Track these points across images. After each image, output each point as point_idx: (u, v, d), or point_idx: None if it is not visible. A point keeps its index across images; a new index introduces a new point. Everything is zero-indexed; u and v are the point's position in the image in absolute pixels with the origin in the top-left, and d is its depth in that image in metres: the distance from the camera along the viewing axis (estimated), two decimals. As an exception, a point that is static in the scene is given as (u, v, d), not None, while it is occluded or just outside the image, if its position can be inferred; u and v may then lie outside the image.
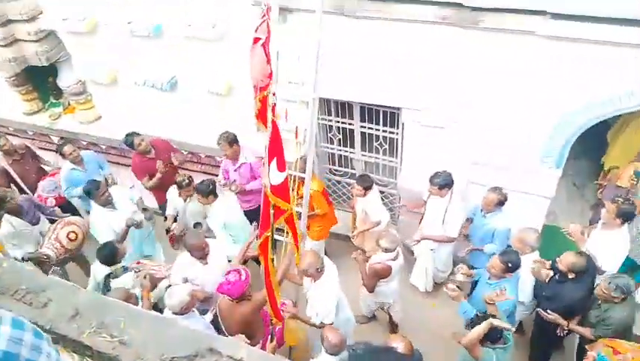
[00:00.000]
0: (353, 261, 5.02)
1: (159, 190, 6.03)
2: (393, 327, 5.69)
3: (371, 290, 4.97)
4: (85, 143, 6.91)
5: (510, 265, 4.21)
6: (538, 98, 4.51)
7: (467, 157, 5.21)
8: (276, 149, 3.95)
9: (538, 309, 4.62)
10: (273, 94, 3.80)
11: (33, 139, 7.35)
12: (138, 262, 4.78)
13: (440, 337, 5.30)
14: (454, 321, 5.29)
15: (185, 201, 5.60)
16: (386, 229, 5.24)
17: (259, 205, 5.13)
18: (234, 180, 5.67)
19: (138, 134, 5.86)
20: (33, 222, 5.65)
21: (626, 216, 4.41)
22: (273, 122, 3.85)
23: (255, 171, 5.70)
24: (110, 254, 4.67)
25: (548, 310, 4.41)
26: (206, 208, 5.43)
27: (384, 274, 4.79)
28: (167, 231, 5.85)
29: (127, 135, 5.85)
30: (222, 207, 5.39)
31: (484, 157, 5.15)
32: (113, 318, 1.76)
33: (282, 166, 4.05)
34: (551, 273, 4.43)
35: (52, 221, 5.74)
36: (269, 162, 3.97)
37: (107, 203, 5.30)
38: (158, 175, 5.84)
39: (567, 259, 4.22)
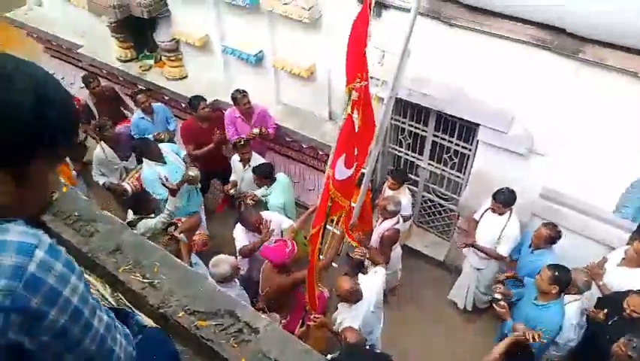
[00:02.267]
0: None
1: (201, 161, 6.23)
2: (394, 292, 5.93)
3: (388, 260, 5.16)
4: (167, 98, 7.19)
5: (558, 274, 4.03)
6: (630, 145, 4.24)
7: (537, 189, 5.00)
8: (347, 144, 3.91)
9: None
10: (355, 89, 3.77)
11: (122, 85, 7.73)
12: (178, 220, 4.93)
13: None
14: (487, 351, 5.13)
15: (244, 168, 5.76)
16: (391, 195, 5.34)
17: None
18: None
19: (205, 99, 6.08)
20: (122, 158, 6.09)
21: None
22: (349, 117, 3.82)
23: (268, 117, 6.15)
24: (138, 202, 4.92)
25: None
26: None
27: (395, 237, 5.13)
28: (226, 194, 6.12)
29: (194, 97, 6.10)
30: (283, 189, 5.53)
31: (556, 193, 4.91)
32: (149, 261, 1.82)
33: (350, 163, 4.01)
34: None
35: (139, 162, 6.10)
36: (336, 157, 3.93)
37: (159, 157, 5.49)
38: (211, 146, 6.08)
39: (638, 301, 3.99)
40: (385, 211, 5.02)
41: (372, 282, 4.45)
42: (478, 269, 5.34)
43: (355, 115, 3.93)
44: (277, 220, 5.15)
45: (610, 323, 4.25)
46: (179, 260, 1.86)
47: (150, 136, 6.13)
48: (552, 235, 4.62)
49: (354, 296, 4.21)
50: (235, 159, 5.90)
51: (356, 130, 4.02)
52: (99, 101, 6.70)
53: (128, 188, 5.70)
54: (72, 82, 8.51)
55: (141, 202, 4.93)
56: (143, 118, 6.35)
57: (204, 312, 1.62)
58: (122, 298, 1.81)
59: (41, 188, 1.08)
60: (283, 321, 4.66)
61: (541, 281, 4.12)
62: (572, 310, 4.37)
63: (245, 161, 5.78)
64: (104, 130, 5.88)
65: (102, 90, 6.68)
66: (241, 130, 6.06)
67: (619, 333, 4.08)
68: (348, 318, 4.32)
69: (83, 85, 6.81)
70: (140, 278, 1.76)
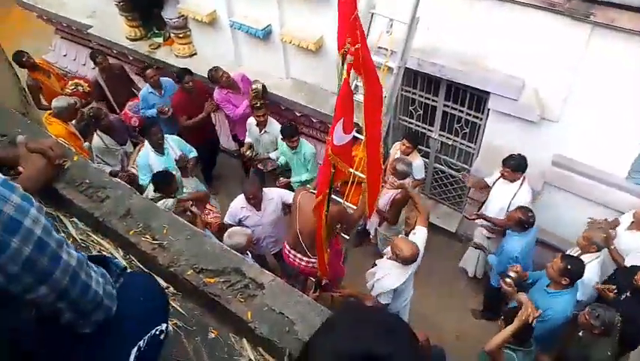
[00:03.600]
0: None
1: (194, 131, 6.30)
2: None
3: (397, 221, 5.38)
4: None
5: (570, 267, 3.90)
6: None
7: (549, 156, 4.96)
8: (345, 109, 3.88)
9: None
10: (350, 53, 3.72)
11: (131, 64, 7.76)
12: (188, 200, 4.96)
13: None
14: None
15: (260, 132, 5.85)
16: (400, 156, 5.32)
17: None
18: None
19: (191, 72, 6.16)
20: (120, 143, 6.12)
21: None
22: (346, 80, 3.79)
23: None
24: (162, 182, 4.87)
25: None
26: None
27: (406, 200, 5.16)
28: (243, 157, 6.25)
29: (179, 69, 6.21)
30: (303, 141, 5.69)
31: (568, 160, 4.88)
32: (158, 224, 1.87)
33: (348, 128, 3.98)
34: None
35: (135, 144, 6.21)
36: (335, 121, 3.92)
37: (158, 146, 5.45)
38: (203, 115, 6.18)
39: None
40: (395, 172, 4.99)
41: (417, 241, 4.36)
42: (488, 237, 5.34)
43: (360, 82, 3.89)
44: (278, 196, 5.13)
45: (622, 298, 4.22)
46: (186, 222, 1.90)
47: (155, 110, 6.26)
48: (521, 218, 4.49)
49: (406, 262, 4.15)
50: (252, 122, 5.94)
51: (362, 97, 3.99)
52: (109, 77, 6.78)
53: (135, 172, 5.74)
54: (83, 62, 8.57)
55: (164, 184, 4.94)
56: (151, 92, 6.43)
57: (212, 270, 1.67)
58: (134, 259, 1.86)
59: None
60: (314, 260, 4.64)
61: (552, 271, 4.02)
62: (594, 268, 4.33)
63: (261, 124, 5.82)
64: (99, 120, 5.80)
65: (110, 66, 6.75)
66: (237, 102, 6.11)
67: (630, 308, 4.06)
68: (391, 274, 4.26)
69: (94, 66, 6.87)
70: (150, 240, 1.81)
